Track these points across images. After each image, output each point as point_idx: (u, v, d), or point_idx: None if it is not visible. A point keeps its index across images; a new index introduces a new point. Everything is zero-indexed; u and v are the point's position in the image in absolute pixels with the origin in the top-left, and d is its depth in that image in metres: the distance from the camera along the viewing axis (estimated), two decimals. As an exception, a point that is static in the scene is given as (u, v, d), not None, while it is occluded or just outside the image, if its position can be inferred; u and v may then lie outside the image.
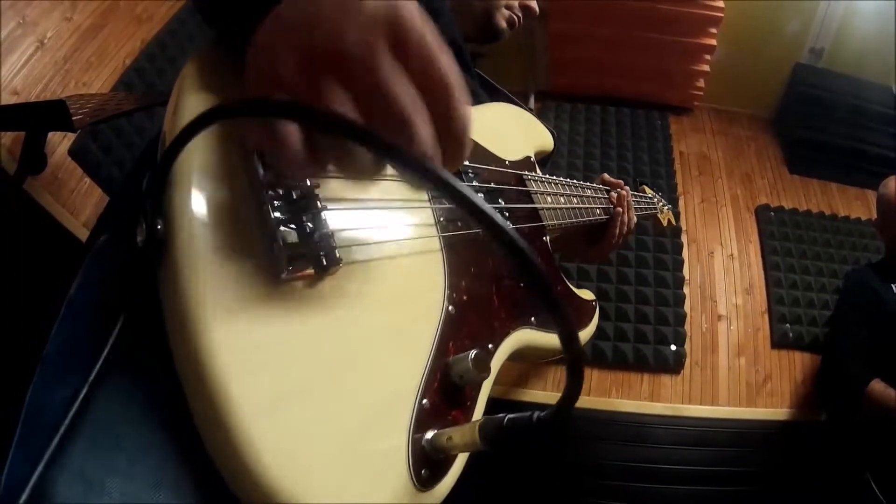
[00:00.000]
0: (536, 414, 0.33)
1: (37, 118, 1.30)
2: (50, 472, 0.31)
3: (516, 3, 0.89)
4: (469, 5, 0.86)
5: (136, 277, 0.34)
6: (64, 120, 1.16)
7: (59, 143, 1.53)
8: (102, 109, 1.30)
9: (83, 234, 1.53)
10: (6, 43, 1.47)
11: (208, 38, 0.41)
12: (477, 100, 0.76)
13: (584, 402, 1.88)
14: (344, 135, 0.25)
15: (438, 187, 0.24)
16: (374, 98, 0.28)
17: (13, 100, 1.45)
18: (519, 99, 0.87)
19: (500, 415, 0.36)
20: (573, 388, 0.28)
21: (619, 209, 0.89)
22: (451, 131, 0.30)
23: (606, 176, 0.95)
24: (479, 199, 0.24)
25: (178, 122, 0.35)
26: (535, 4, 0.91)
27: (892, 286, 1.76)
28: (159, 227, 0.32)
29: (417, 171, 0.25)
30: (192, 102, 0.36)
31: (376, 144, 0.24)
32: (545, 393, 1.88)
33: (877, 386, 1.53)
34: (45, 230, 1.48)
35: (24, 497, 0.30)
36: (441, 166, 0.28)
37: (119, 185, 0.84)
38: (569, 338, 0.25)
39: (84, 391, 0.33)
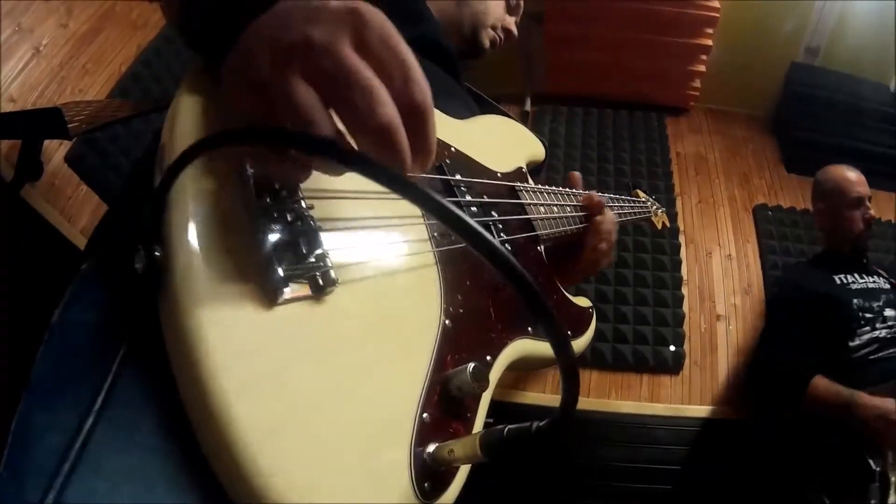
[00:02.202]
0: (536, 424, 0.33)
1: (32, 125, 1.30)
2: None
3: (500, 25, 0.95)
4: (459, 22, 0.91)
5: (136, 304, 0.34)
6: (60, 127, 1.16)
7: (56, 150, 1.53)
8: (98, 116, 1.30)
9: (80, 241, 1.53)
10: (2, 50, 1.47)
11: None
12: (468, 111, 0.77)
13: (584, 403, 1.88)
14: (323, 154, 0.28)
15: (403, 194, 0.25)
16: (336, 79, 0.30)
17: (9, 107, 1.45)
18: (515, 102, 0.89)
19: (500, 426, 0.36)
20: (570, 397, 0.29)
21: (597, 204, 0.77)
22: (412, 106, 0.32)
23: (575, 174, 0.85)
24: (455, 208, 0.25)
25: (176, 139, 0.35)
26: (514, 28, 0.98)
27: (836, 277, 1.68)
28: (157, 253, 0.32)
29: (384, 180, 0.26)
30: (189, 121, 0.36)
31: (343, 158, 0.27)
32: (545, 395, 1.88)
33: (821, 382, 1.46)
34: (42, 237, 1.48)
35: None
36: (409, 150, 0.32)
37: (115, 198, 0.83)
38: (561, 347, 0.26)
39: (88, 425, 0.33)
